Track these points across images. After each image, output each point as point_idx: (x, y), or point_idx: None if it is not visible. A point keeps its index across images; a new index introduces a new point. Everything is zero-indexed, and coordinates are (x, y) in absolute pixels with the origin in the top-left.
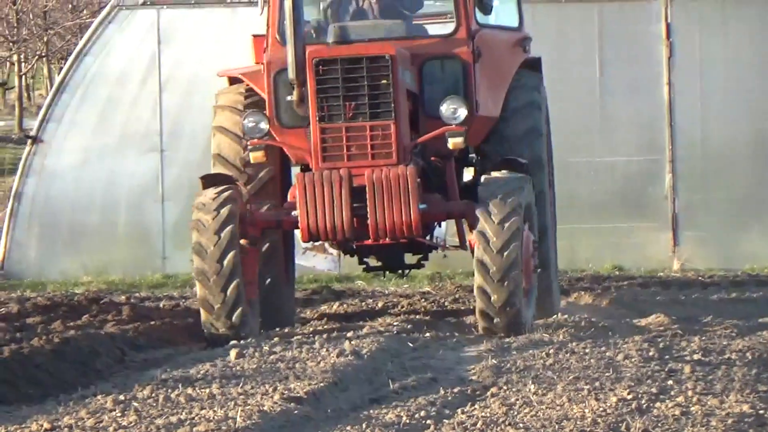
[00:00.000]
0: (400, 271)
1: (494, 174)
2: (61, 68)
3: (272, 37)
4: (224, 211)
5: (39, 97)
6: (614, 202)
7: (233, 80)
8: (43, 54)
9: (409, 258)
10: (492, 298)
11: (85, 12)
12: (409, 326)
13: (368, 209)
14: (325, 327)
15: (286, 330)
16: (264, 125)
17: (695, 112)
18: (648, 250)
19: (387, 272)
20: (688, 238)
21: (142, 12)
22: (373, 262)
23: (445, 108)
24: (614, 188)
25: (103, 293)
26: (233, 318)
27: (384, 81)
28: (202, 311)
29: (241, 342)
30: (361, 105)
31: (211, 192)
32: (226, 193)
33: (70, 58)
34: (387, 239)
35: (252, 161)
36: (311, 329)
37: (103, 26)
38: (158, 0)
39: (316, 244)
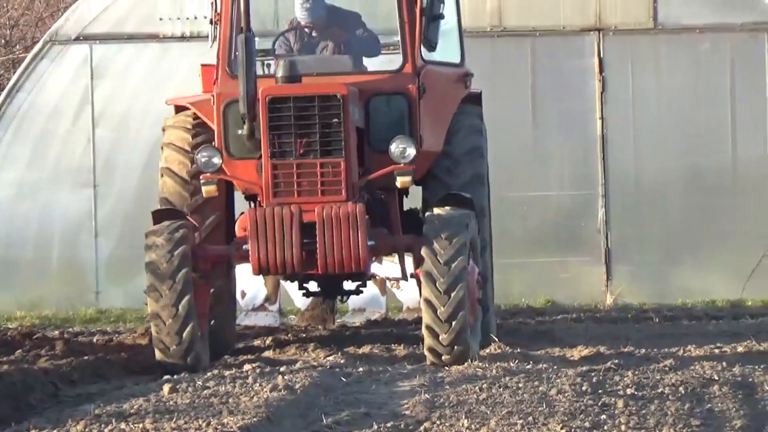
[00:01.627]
0: (339, 297)
1: (438, 211)
2: None
3: (222, 69)
4: (178, 234)
5: None
6: (547, 237)
7: (179, 108)
8: None
9: (347, 284)
10: (440, 337)
11: (17, 47)
12: (342, 361)
13: (318, 245)
14: (259, 362)
15: (219, 365)
16: (217, 160)
17: (628, 146)
18: (581, 285)
19: (326, 297)
20: (621, 273)
21: (75, 47)
22: (312, 287)
23: (395, 147)
24: (547, 222)
25: (36, 328)
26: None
27: (335, 120)
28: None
29: (174, 377)
30: (313, 142)
31: (164, 229)
32: (179, 233)
33: (3, 93)
34: (335, 272)
35: (205, 195)
36: (244, 364)
37: (35, 61)
38: (91, 35)
39: (257, 305)
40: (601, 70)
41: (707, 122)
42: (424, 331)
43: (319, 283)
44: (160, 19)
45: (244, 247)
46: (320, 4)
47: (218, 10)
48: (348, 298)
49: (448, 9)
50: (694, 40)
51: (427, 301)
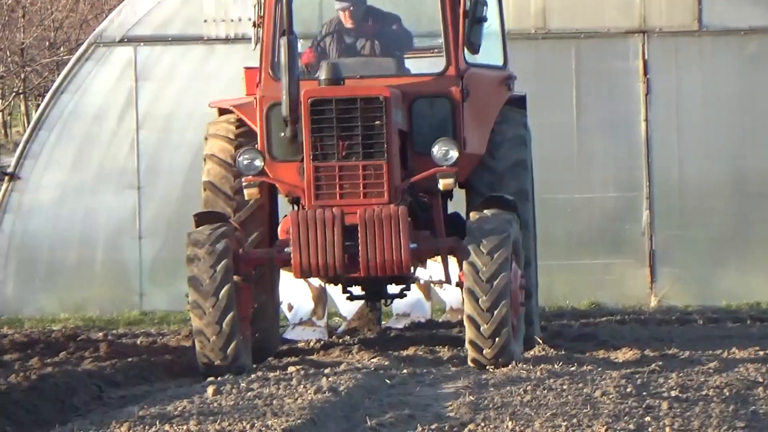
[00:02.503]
0: (383, 301)
1: (479, 217)
2: (38, 105)
3: (265, 71)
4: (219, 245)
5: (16, 134)
6: (591, 239)
7: (223, 111)
8: (21, 91)
9: (391, 287)
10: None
11: (62, 49)
12: (386, 363)
13: (360, 248)
14: (303, 363)
15: (263, 366)
16: (259, 162)
17: (672, 148)
18: (625, 287)
19: (370, 301)
20: (665, 275)
21: (120, 49)
22: (356, 291)
23: (437, 149)
24: (591, 225)
25: (80, 330)
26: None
27: (377, 122)
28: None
29: (218, 378)
30: (355, 144)
31: (205, 239)
32: (220, 230)
33: (48, 95)
34: (377, 274)
35: (247, 198)
36: (288, 365)
37: (80, 63)
38: (135, 37)
39: (304, 318)
40: (645, 73)
41: (752, 125)
42: (467, 345)
43: (363, 287)
44: (205, 21)
45: (285, 249)
46: (360, 1)
47: (261, 13)
48: (392, 301)
49: (491, 11)
50: (740, 42)
51: (470, 318)
